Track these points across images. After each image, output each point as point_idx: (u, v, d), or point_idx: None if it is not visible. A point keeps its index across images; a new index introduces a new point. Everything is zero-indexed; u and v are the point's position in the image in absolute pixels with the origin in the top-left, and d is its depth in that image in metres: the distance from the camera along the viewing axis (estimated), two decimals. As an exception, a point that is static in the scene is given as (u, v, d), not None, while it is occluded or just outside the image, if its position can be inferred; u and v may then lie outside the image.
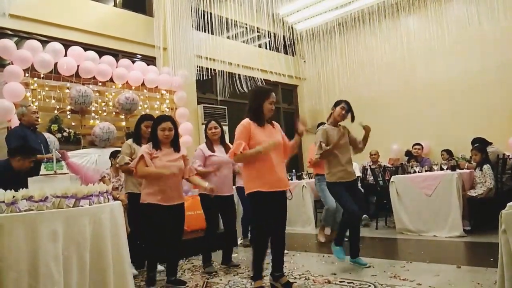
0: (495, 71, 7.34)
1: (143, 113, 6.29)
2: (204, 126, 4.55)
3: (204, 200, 4.20)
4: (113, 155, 4.93)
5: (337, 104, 4.09)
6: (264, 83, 8.44)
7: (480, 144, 5.84)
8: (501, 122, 7.09)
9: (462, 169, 5.92)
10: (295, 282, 3.48)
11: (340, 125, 4.07)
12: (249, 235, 5.45)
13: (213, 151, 4.22)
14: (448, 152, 7.15)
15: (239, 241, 5.63)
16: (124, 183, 4.33)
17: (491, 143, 6.17)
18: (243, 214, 5.60)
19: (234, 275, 3.89)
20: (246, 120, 3.26)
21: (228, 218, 4.34)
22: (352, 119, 4.06)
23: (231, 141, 4.64)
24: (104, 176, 4.64)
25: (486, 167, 5.33)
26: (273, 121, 3.44)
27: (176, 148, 3.69)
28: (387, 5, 8.31)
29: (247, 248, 5.34)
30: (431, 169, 5.86)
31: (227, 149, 4.28)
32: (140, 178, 3.62)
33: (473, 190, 5.38)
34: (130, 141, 4.16)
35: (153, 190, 3.50)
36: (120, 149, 5.33)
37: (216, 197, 4.12)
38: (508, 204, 1.75)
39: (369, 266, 3.82)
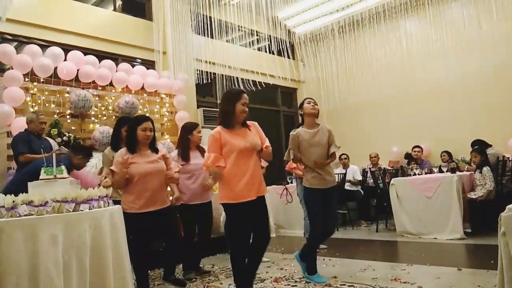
0: (494, 73, 7.35)
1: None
2: (184, 128, 4.26)
3: (182, 210, 4.06)
4: None
5: (301, 104, 3.87)
6: (264, 86, 8.45)
7: (479, 146, 5.84)
8: (500, 124, 7.10)
9: (462, 171, 5.93)
10: (296, 286, 3.47)
11: (319, 124, 3.78)
12: None
13: (188, 159, 4.05)
14: (449, 153, 7.15)
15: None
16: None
17: (490, 145, 6.18)
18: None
19: (234, 279, 3.88)
20: (216, 129, 3.11)
21: (203, 226, 4.21)
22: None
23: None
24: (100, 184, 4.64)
25: (486, 169, 5.33)
26: (249, 122, 3.24)
27: (154, 150, 3.48)
28: (385, 8, 8.33)
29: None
30: (431, 172, 5.87)
31: (202, 152, 4.14)
32: (119, 189, 3.46)
33: (473, 192, 5.38)
34: (108, 150, 3.91)
35: (132, 198, 3.30)
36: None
37: (194, 205, 4.03)
38: (508, 206, 1.75)
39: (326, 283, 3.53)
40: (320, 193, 3.63)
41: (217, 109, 7.87)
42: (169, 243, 3.69)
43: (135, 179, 3.29)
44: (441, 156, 7.18)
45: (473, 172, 5.63)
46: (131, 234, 3.23)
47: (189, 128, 4.20)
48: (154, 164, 3.38)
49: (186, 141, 4.13)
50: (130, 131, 3.41)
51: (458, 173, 5.53)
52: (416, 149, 7.42)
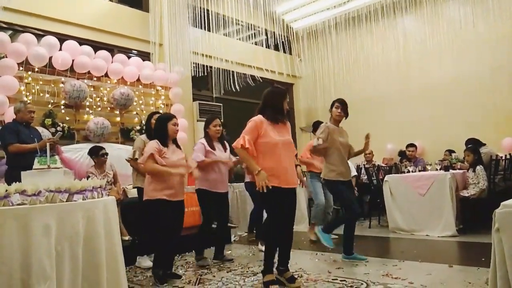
0: (489, 72, 7.39)
1: (138, 109, 6.34)
2: (204, 122, 4.48)
3: (201, 195, 4.30)
4: (93, 153, 4.93)
5: (332, 105, 4.18)
6: (260, 81, 8.43)
7: (473, 145, 5.87)
8: (496, 123, 7.15)
9: (456, 169, 5.96)
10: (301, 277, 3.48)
11: (341, 127, 4.20)
12: (254, 231, 5.51)
13: (213, 148, 4.27)
14: (451, 152, 7.11)
15: (234, 237, 5.66)
16: (133, 177, 4.32)
17: (484, 144, 6.21)
18: (254, 209, 5.49)
19: (227, 272, 3.89)
20: (259, 117, 3.31)
21: (221, 214, 4.43)
22: (346, 116, 4.16)
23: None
24: (89, 176, 4.62)
25: (479, 168, 5.36)
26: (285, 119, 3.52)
27: (178, 145, 3.82)
28: (383, 5, 8.33)
29: (251, 244, 5.33)
30: (424, 169, 5.90)
31: (224, 147, 4.39)
32: (148, 173, 3.62)
33: (466, 191, 5.42)
34: (143, 136, 4.24)
35: (161, 187, 3.56)
36: (106, 144, 5.35)
37: (213, 193, 4.23)
38: (502, 203, 1.76)
39: (367, 260, 3.94)
40: (345, 184, 4.04)
41: (213, 103, 7.89)
42: (176, 236, 3.76)
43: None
44: (444, 154, 7.15)
45: (466, 170, 5.66)
46: (157, 219, 3.55)
47: (207, 121, 4.41)
48: (182, 160, 3.75)
49: (206, 134, 4.36)
50: (161, 126, 3.70)
51: (451, 171, 5.56)
52: (410, 148, 7.42)
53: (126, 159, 4.32)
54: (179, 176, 3.65)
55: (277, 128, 3.34)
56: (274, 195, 3.22)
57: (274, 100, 3.37)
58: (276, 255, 3.43)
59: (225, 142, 4.47)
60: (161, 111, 6.74)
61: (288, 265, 3.45)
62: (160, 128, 3.70)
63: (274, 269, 3.42)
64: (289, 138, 3.42)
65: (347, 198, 4.04)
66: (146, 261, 4.25)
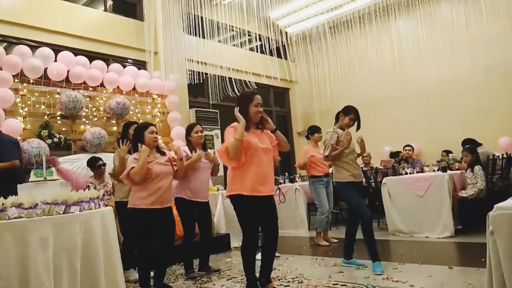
0: (484, 73, 7.43)
1: (135, 118, 6.32)
2: (185, 130, 4.38)
3: (180, 205, 4.10)
4: (91, 164, 4.90)
5: (347, 112, 4.12)
6: (256, 87, 8.44)
7: (470, 145, 5.89)
8: (492, 123, 7.17)
9: (453, 170, 5.97)
10: (288, 286, 3.48)
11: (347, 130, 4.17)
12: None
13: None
14: (448, 152, 7.13)
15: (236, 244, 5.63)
16: (114, 191, 4.31)
17: (481, 144, 6.23)
18: None
19: (227, 280, 3.88)
20: (235, 124, 3.19)
21: (204, 225, 4.29)
22: (358, 127, 4.11)
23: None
24: (88, 186, 4.61)
25: (478, 168, 5.37)
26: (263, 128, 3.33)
27: (160, 152, 3.74)
28: (377, 8, 8.38)
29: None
30: (422, 171, 5.90)
31: (207, 154, 4.26)
32: (138, 180, 3.43)
33: (464, 191, 5.42)
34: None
35: (146, 194, 3.48)
36: (103, 154, 5.34)
37: (194, 202, 4.08)
38: (496, 205, 1.77)
39: (366, 266, 3.81)
40: (356, 185, 3.97)
41: (209, 110, 7.90)
42: (166, 245, 3.69)
43: (149, 178, 3.50)
44: (441, 155, 7.17)
45: (463, 170, 5.67)
46: (141, 228, 3.48)
47: (188, 129, 4.32)
48: (166, 166, 3.64)
49: (188, 142, 4.27)
50: (138, 135, 3.62)
51: (449, 172, 5.57)
52: (407, 148, 7.46)
53: (109, 173, 4.28)
54: (164, 181, 3.55)
55: (256, 134, 3.21)
56: (250, 205, 3.10)
57: (240, 106, 3.17)
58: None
59: (207, 149, 4.37)
60: (157, 120, 6.81)
61: (271, 277, 3.34)
62: (137, 138, 3.62)
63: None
64: (269, 145, 3.25)
65: (357, 202, 3.90)
66: (134, 275, 4.12)
